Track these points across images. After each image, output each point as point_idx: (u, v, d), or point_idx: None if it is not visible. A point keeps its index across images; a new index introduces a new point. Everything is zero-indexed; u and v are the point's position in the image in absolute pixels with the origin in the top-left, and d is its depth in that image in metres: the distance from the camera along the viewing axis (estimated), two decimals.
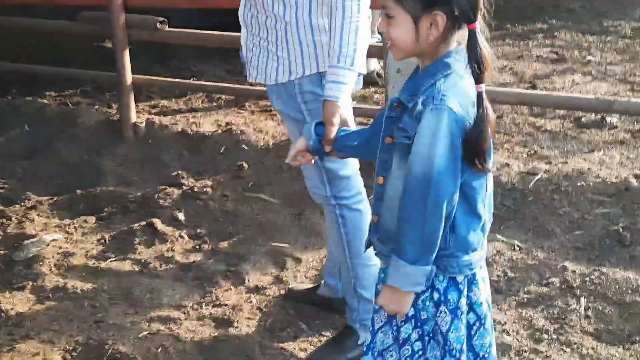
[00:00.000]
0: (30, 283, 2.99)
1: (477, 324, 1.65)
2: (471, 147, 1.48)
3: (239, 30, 2.34)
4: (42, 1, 4.56)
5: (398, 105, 1.57)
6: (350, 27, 2.01)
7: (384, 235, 1.64)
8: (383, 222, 1.64)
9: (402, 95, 1.56)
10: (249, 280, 2.99)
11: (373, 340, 1.73)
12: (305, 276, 3.07)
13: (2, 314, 2.78)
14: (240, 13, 2.26)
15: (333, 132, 1.86)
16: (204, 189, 3.65)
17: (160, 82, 4.52)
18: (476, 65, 1.47)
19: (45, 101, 4.82)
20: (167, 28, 3.99)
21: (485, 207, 1.60)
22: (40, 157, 4.23)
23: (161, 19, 3.96)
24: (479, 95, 1.48)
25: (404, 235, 1.50)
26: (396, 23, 1.51)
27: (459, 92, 1.49)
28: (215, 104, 4.95)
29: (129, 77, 4.08)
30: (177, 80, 4.70)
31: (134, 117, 4.16)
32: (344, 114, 1.98)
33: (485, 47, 1.48)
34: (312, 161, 1.94)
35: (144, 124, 4.18)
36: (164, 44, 5.50)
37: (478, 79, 1.48)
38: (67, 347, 2.59)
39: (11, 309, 2.81)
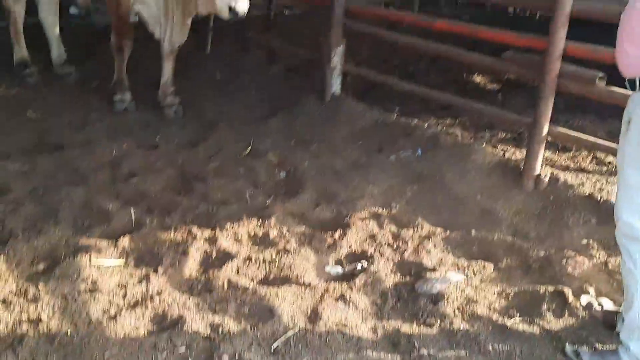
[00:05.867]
0: (439, 322, 2.91)
1: None
2: None
3: None
4: (470, 32, 4.46)
5: None
6: None
7: None
8: None
9: None
10: None
11: None
12: None
13: (416, 347, 2.73)
14: None
15: None
16: (618, 269, 3.29)
17: (578, 139, 4.08)
18: None
19: (439, 128, 4.83)
20: (604, 85, 3.70)
21: None
22: (429, 184, 4.21)
23: (601, 74, 3.68)
24: None
25: None
26: None
27: None
28: (605, 168, 4.57)
29: (545, 126, 3.87)
30: (603, 141, 4.04)
31: (538, 168, 3.94)
32: None
33: None
34: None
35: (547, 178, 3.94)
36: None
37: None
38: None
39: (423, 345, 2.75)
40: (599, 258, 3.39)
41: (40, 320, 2.71)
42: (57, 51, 5.86)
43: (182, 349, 2.62)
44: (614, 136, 5.16)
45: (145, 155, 4.46)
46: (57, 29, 5.81)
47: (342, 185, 4.22)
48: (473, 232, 3.67)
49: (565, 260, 3.35)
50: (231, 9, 4.14)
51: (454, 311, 2.99)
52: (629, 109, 2.62)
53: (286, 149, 4.71)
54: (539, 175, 3.93)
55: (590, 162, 4.69)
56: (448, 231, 3.71)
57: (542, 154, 3.96)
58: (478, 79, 6.98)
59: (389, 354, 2.72)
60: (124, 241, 3.36)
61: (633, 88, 2.58)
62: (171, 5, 4.78)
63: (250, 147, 4.69)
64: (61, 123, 4.84)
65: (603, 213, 3.71)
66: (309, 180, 4.25)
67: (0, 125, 4.69)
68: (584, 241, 3.53)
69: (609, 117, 5.62)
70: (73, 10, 7.77)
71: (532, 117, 3.94)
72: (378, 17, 5.57)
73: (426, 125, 4.82)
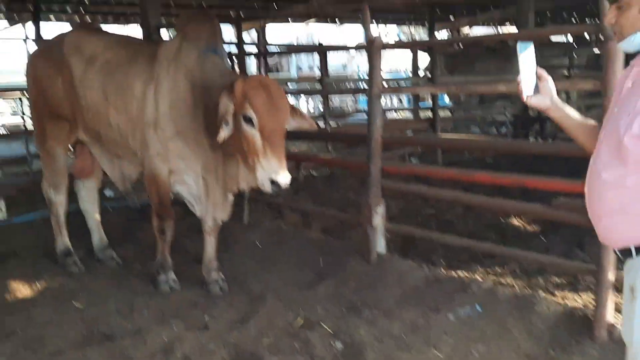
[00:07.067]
0: None
1: None
2: None
3: None
4: (516, 183, 4.45)
5: None
6: None
7: None
8: None
9: None
10: None
11: None
12: None
13: None
14: None
15: None
16: None
17: None
18: None
19: (492, 278, 4.71)
20: None
21: None
22: (495, 342, 4.01)
23: None
24: None
25: None
26: None
27: None
28: None
29: (611, 272, 3.74)
30: None
31: (610, 317, 3.76)
32: None
33: None
34: None
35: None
36: None
37: None
38: None
39: None
40: None
41: None
42: (98, 236, 5.91)
43: None
44: None
45: (196, 337, 4.33)
46: (98, 216, 5.90)
47: (404, 351, 4.03)
48: None
49: None
50: (273, 182, 4.16)
51: None
52: (630, 277, 2.27)
53: (339, 316, 4.57)
54: (612, 324, 3.74)
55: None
56: None
57: (611, 301, 3.79)
58: (515, 221, 6.93)
59: None
60: None
61: (627, 256, 2.32)
62: (212, 184, 4.85)
63: (301, 318, 4.55)
64: (108, 311, 4.76)
65: None
66: (368, 348, 4.08)
67: (48, 317, 4.62)
68: None
69: None
70: (109, 192, 7.97)
71: (596, 264, 3.81)
72: (415, 174, 5.62)
73: (479, 277, 4.69)
